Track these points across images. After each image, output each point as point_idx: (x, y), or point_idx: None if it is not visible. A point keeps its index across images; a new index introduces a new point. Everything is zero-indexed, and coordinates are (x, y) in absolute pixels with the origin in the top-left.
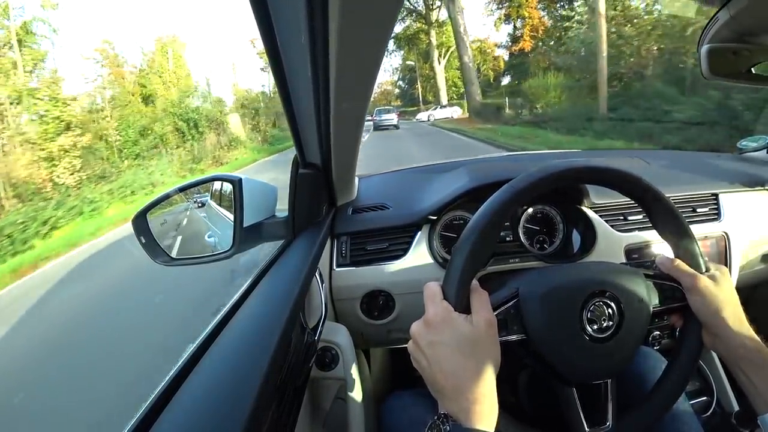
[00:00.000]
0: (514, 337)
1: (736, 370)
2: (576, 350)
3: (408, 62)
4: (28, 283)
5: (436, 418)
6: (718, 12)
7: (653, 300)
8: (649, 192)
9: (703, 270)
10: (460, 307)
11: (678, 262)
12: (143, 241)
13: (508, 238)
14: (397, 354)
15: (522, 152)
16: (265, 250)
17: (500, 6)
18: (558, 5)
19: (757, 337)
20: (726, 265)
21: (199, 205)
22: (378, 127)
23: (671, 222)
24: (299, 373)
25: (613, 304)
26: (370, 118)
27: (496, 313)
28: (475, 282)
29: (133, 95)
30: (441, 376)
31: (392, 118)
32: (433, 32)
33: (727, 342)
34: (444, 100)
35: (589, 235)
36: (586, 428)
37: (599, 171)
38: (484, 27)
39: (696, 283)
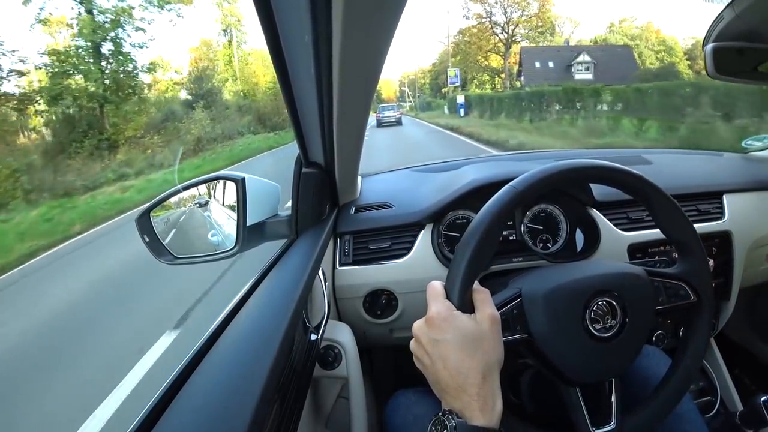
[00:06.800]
0: (517, 337)
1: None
2: (579, 350)
3: None
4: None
5: (440, 413)
6: (723, 11)
7: (657, 298)
8: (653, 191)
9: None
10: (464, 307)
11: None
12: (147, 240)
13: (511, 237)
14: (399, 353)
15: (525, 151)
16: (269, 248)
17: None
18: None
19: None
20: (729, 264)
21: (198, 205)
22: (380, 124)
23: (676, 220)
24: (302, 372)
25: (616, 304)
26: (372, 114)
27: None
28: (476, 282)
29: None
30: (445, 373)
31: (394, 114)
32: None
33: None
34: None
35: (593, 234)
36: (591, 428)
37: (603, 170)
38: None
39: None
